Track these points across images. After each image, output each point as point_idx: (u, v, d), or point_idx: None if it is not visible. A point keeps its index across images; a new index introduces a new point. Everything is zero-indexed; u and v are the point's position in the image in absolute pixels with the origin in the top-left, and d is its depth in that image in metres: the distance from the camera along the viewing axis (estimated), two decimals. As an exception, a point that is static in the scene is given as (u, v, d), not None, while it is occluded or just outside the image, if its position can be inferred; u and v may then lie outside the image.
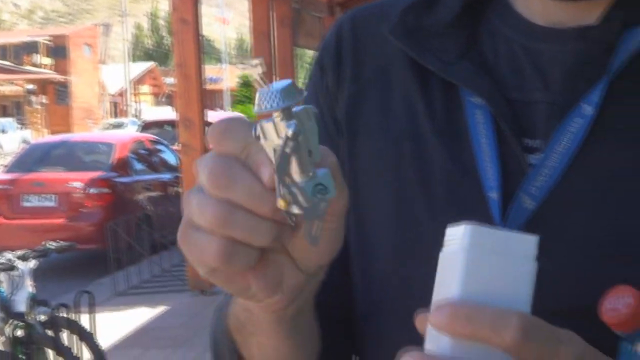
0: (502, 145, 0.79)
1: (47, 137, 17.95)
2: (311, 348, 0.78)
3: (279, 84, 0.55)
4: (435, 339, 0.56)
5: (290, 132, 0.51)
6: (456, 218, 0.61)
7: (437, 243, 0.61)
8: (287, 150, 0.51)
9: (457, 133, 0.83)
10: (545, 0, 0.82)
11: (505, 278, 0.58)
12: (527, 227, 0.74)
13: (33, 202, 10.58)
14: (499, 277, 0.57)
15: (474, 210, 0.77)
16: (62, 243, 5.67)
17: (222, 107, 33.97)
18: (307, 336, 0.76)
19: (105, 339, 6.07)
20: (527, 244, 0.58)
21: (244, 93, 33.81)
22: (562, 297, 0.70)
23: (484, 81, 0.82)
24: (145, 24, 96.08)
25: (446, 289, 0.57)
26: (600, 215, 0.76)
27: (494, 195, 0.78)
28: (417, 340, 0.57)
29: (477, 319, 0.53)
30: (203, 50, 8.51)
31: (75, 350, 5.07)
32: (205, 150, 8.02)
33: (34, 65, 46.68)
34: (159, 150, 13.11)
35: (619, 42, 0.78)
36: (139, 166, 11.91)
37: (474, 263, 0.56)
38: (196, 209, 0.56)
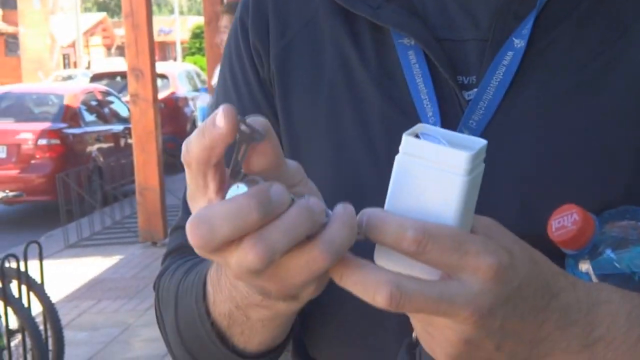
0: (437, 84, 0.83)
1: None
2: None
3: None
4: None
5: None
6: (391, 165, 0.63)
7: (378, 185, 0.67)
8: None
9: (391, 76, 0.86)
10: None
11: (432, 191, 0.59)
12: None
13: None
14: (427, 190, 0.59)
15: None
16: (10, 193, 5.79)
17: (174, 59, 34.29)
18: (287, 327, 0.80)
19: (56, 291, 6.07)
20: (458, 158, 0.58)
21: (196, 45, 34.05)
22: (505, 223, 0.66)
23: (413, 22, 0.84)
24: None
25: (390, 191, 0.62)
26: (537, 140, 0.80)
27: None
28: None
29: (382, 229, 0.57)
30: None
31: (24, 301, 4.94)
32: (155, 100, 8.31)
33: None
34: (110, 102, 13.15)
35: None
36: (89, 117, 11.99)
37: (403, 175, 0.59)
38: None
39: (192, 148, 0.57)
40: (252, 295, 0.70)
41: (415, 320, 0.66)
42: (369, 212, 0.59)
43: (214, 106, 1.11)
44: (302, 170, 0.63)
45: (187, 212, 0.83)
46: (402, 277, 0.59)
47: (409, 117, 0.81)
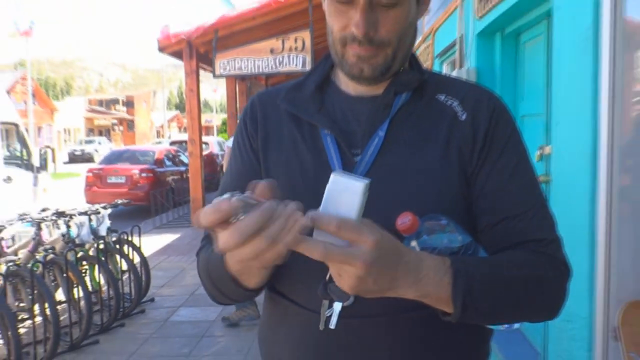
0: (341, 152, 1.27)
1: (121, 147, 26.68)
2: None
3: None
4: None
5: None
6: (320, 190, 1.00)
7: (311, 200, 1.01)
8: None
9: (318, 149, 1.29)
10: (352, 83, 1.31)
11: (345, 203, 0.97)
12: None
13: (113, 180, 15.24)
14: (343, 202, 0.97)
15: None
16: (124, 200, 7.77)
17: (213, 135, 44.48)
18: (269, 274, 1.21)
19: (147, 251, 8.28)
20: (358, 185, 0.97)
21: (224, 128, 45.16)
22: (377, 222, 1.03)
23: (330, 122, 1.30)
24: (175, 91, 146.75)
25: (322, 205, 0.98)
26: (392, 181, 1.23)
27: None
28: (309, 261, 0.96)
29: (320, 220, 0.94)
30: (201, 105, 12.57)
31: (130, 256, 6.67)
32: (201, 155, 12.44)
33: (117, 110, 73.82)
34: (179, 155, 17.79)
35: (393, 101, 1.29)
36: (168, 163, 16.72)
37: (331, 194, 0.98)
38: (231, 239, 0.92)
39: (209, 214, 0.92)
40: (246, 270, 1.17)
41: (332, 268, 1.01)
42: (313, 212, 0.94)
43: (230, 157, 1.47)
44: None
45: None
46: (328, 243, 0.94)
47: (327, 169, 1.23)
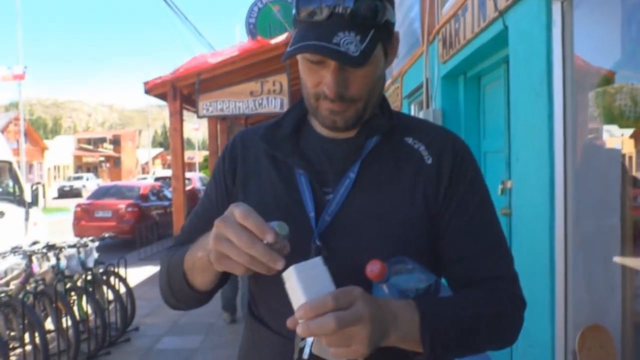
0: (314, 191, 1.28)
1: (108, 183, 26.53)
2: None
3: (275, 223, 1.05)
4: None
5: (275, 228, 1.04)
6: (295, 226, 1.10)
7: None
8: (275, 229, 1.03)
9: (293, 187, 1.30)
10: (326, 130, 1.33)
11: (319, 280, 1.02)
12: (327, 230, 1.25)
13: (100, 214, 15.09)
14: (317, 281, 1.01)
15: (301, 222, 1.24)
16: (111, 234, 7.71)
17: (195, 171, 45.02)
18: (213, 280, 1.26)
19: (132, 282, 8.05)
20: (317, 262, 1.03)
21: (205, 164, 45.46)
22: (351, 264, 1.12)
23: (304, 163, 1.31)
24: (159, 130, 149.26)
25: (297, 299, 0.99)
26: (360, 224, 1.24)
27: (312, 215, 1.26)
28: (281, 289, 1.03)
29: (318, 308, 0.96)
30: (184, 142, 12.26)
31: (117, 287, 6.69)
32: (184, 190, 12.14)
33: (104, 148, 75.32)
34: (162, 190, 17.85)
35: (364, 144, 1.30)
36: (152, 198, 16.70)
37: (303, 282, 1.00)
38: (234, 235, 1.03)
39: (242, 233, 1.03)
40: (197, 261, 1.20)
41: (338, 342, 1.00)
42: (306, 305, 0.97)
43: (206, 187, 1.51)
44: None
45: (184, 230, 1.46)
46: (334, 313, 0.96)
47: (300, 206, 1.27)
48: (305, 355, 1.18)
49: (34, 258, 6.02)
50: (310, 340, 1.16)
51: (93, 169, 69.74)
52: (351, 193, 1.26)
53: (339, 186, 1.27)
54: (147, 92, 11.70)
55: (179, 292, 1.33)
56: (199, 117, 11.70)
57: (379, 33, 1.20)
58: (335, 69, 1.19)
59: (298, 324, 0.98)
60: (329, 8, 1.15)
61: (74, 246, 6.34)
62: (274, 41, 11.33)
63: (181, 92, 11.72)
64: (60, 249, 6.17)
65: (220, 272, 1.20)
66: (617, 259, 2.63)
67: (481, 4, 3.88)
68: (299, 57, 1.24)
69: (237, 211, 1.05)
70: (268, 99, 11.19)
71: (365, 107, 1.26)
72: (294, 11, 1.22)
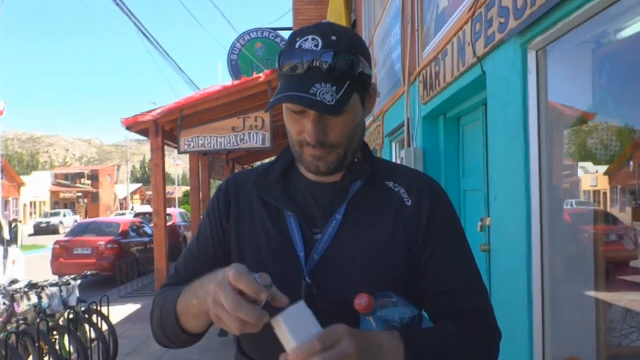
0: (303, 232, 1.37)
1: (87, 220, 26.07)
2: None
3: (259, 276, 1.11)
4: None
5: (258, 280, 1.10)
6: (285, 265, 1.30)
7: (275, 276, 1.14)
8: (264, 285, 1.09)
9: (283, 228, 1.40)
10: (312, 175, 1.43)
11: (306, 324, 1.08)
12: (316, 268, 1.34)
13: (79, 251, 15.05)
14: (304, 325, 1.08)
15: (292, 261, 1.35)
16: (93, 271, 7.60)
17: (175, 206, 44.48)
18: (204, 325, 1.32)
19: (114, 320, 7.75)
20: (301, 307, 1.10)
21: (186, 200, 46.16)
22: (340, 300, 1.25)
23: (293, 205, 1.40)
24: (138, 165, 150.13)
25: (287, 344, 1.07)
26: (347, 262, 1.34)
27: (301, 254, 1.35)
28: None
29: (306, 350, 1.04)
30: (165, 178, 12.19)
31: (99, 325, 6.64)
32: (165, 226, 11.99)
33: (82, 184, 74.20)
34: (143, 227, 17.76)
35: (349, 188, 1.41)
36: (133, 234, 16.60)
37: (292, 328, 1.07)
38: (224, 300, 1.09)
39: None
40: (192, 308, 1.26)
41: None
42: (296, 350, 1.05)
43: (199, 225, 1.57)
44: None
45: (177, 271, 1.53)
46: (322, 354, 1.05)
47: (290, 246, 1.36)
48: None
49: (16, 297, 6.02)
50: None
51: (70, 204, 68.46)
52: (338, 233, 1.36)
53: (327, 227, 1.37)
54: (129, 128, 11.78)
55: (171, 333, 1.40)
56: (180, 152, 11.79)
57: (354, 84, 1.32)
58: (315, 118, 1.31)
59: None
60: (308, 63, 1.28)
61: (56, 284, 6.35)
62: (256, 77, 11.50)
63: (163, 128, 11.80)
64: (42, 287, 6.17)
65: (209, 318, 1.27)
66: (591, 293, 2.75)
67: (460, 50, 4.07)
68: (283, 107, 1.36)
69: (230, 274, 1.11)
70: (250, 135, 11.31)
71: (345, 153, 1.37)
72: (277, 66, 1.34)
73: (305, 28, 1.36)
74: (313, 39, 1.30)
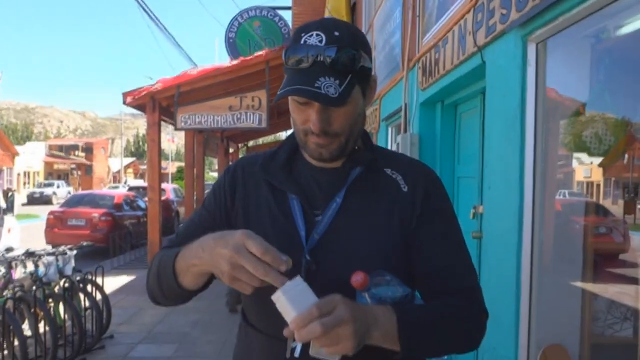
0: (305, 213, 1.46)
1: (80, 192, 26.44)
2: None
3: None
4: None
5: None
6: (288, 243, 1.33)
7: (277, 244, 1.21)
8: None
9: (286, 209, 1.49)
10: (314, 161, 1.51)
11: (304, 295, 1.17)
12: (316, 246, 1.42)
13: (73, 222, 15.22)
14: (303, 297, 1.17)
15: (293, 240, 1.43)
16: (88, 243, 8.01)
17: (168, 181, 44.34)
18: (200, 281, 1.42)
19: (108, 289, 8.15)
20: (298, 281, 1.18)
21: (179, 175, 46.56)
22: (337, 277, 1.31)
23: (296, 189, 1.49)
24: (132, 139, 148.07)
25: (287, 314, 1.16)
26: (345, 243, 1.42)
27: (302, 233, 1.43)
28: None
29: (306, 319, 1.13)
30: (161, 154, 12.34)
31: (94, 294, 6.86)
32: (159, 201, 12.05)
33: (75, 155, 76.33)
34: (137, 200, 17.93)
35: (349, 173, 1.49)
36: (126, 207, 16.78)
37: (292, 299, 1.16)
38: (251, 266, 1.18)
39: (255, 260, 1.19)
40: (192, 267, 1.34)
41: (326, 342, 1.16)
42: (296, 319, 1.14)
43: (204, 199, 1.67)
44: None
45: (180, 234, 1.62)
46: (320, 320, 1.13)
47: (292, 226, 1.44)
48: (297, 353, 1.35)
49: (13, 264, 6.09)
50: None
51: (64, 176, 67.91)
52: (337, 215, 1.44)
53: (327, 209, 1.45)
54: (127, 103, 11.74)
55: (167, 288, 1.47)
56: (176, 129, 11.79)
57: (356, 77, 1.40)
58: (318, 109, 1.39)
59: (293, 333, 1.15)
60: (312, 57, 1.36)
61: (52, 254, 6.45)
62: (254, 56, 11.48)
63: (160, 103, 11.77)
64: (39, 256, 6.28)
65: (207, 277, 1.38)
66: (578, 284, 2.81)
67: (461, 38, 4.10)
68: (289, 97, 1.43)
69: (252, 245, 1.20)
70: (247, 114, 11.32)
71: (347, 141, 1.46)
72: (283, 59, 1.42)
73: (309, 24, 1.43)
74: (317, 35, 1.38)
